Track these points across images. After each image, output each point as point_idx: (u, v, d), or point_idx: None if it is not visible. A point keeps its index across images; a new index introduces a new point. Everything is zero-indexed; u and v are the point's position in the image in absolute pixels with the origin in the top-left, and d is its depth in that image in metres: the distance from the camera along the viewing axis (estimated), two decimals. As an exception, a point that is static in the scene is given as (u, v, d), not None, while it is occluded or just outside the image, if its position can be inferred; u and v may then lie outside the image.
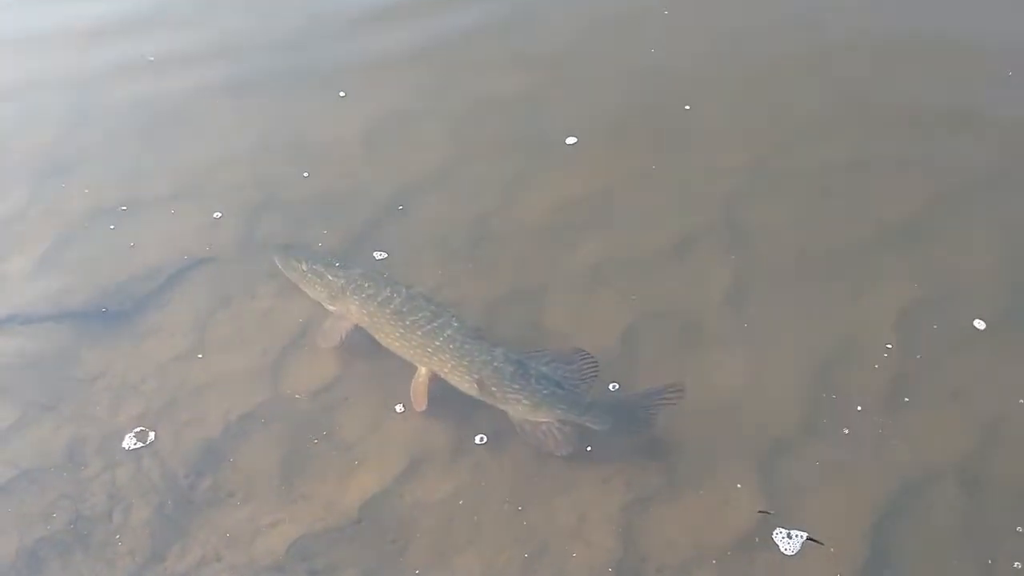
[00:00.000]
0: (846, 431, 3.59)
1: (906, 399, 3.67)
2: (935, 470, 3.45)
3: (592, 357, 3.56)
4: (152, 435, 3.58)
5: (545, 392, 3.46)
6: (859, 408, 3.65)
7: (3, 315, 3.94)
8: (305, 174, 4.60)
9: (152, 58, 5.29)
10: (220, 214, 4.37)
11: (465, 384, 3.56)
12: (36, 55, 5.37)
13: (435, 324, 3.66)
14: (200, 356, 3.86)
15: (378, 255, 4.21)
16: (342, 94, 5.06)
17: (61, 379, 3.75)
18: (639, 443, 3.53)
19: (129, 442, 3.55)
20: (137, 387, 3.74)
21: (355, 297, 3.80)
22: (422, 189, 4.55)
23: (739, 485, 3.42)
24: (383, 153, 4.74)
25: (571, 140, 4.78)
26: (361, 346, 3.84)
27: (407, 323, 3.68)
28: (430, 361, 3.62)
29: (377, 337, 3.76)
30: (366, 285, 3.82)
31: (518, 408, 3.49)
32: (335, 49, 5.39)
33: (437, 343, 3.61)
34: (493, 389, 3.50)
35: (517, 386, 3.48)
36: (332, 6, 5.71)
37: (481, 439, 3.56)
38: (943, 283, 4.06)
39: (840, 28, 5.41)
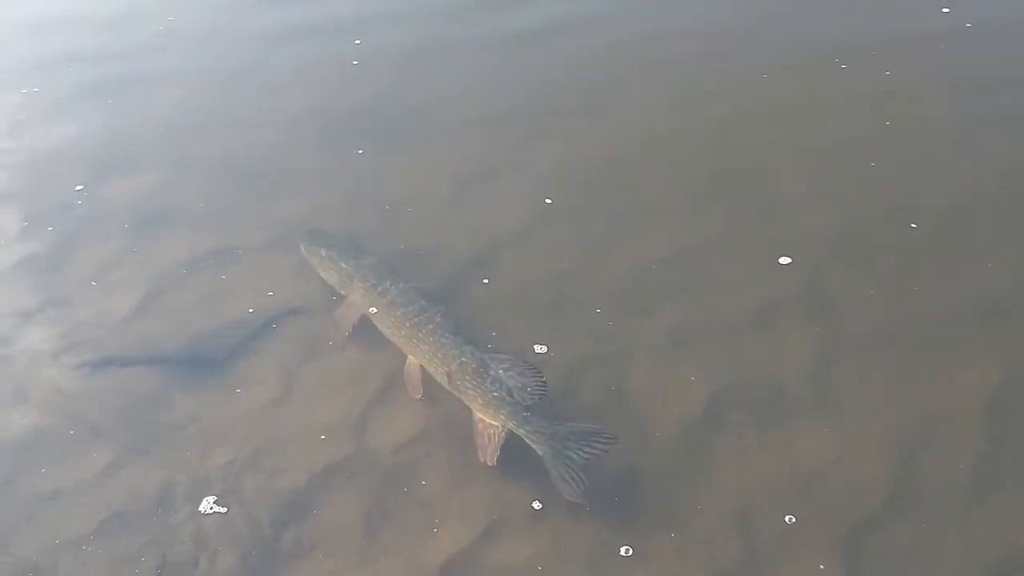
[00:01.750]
0: (931, 514, 3.53)
1: (993, 484, 3.60)
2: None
3: (542, 379, 3.70)
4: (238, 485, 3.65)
5: (495, 394, 3.67)
6: (944, 490, 3.59)
7: (100, 358, 4.06)
8: (391, 228, 4.69)
9: (245, 111, 5.45)
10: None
11: (439, 375, 3.84)
12: (134, 103, 5.57)
13: (422, 317, 3.99)
14: (287, 406, 3.94)
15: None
16: (429, 150, 5.17)
17: (154, 424, 3.84)
18: (723, 516, 3.51)
19: (217, 489, 3.62)
20: (226, 435, 3.82)
21: (360, 285, 4.17)
22: (505, 248, 4.61)
23: (822, 566, 3.38)
24: (469, 210, 4.82)
25: (653, 203, 4.82)
26: (443, 401, 3.90)
27: (398, 314, 4.03)
28: (415, 351, 3.93)
29: (375, 323, 4.07)
30: (370, 275, 4.19)
31: (475, 404, 3.71)
32: (423, 106, 5.50)
33: (421, 335, 3.93)
34: (458, 383, 3.76)
35: (475, 383, 3.72)
36: (421, 63, 5.84)
37: (563, 506, 3.56)
38: (1034, 365, 4.00)
39: (933, 99, 5.40)
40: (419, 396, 3.86)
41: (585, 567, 3.40)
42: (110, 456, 3.73)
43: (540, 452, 3.56)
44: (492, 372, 3.74)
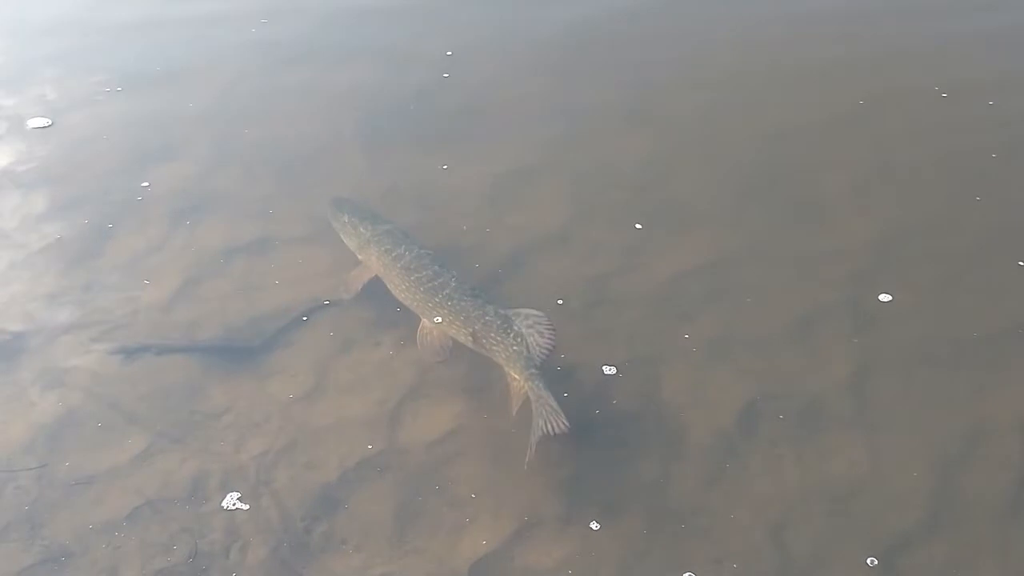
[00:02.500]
0: (968, 531, 3.49)
1: (1031, 504, 3.56)
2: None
3: (549, 335, 3.81)
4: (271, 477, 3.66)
5: (515, 348, 3.78)
6: (983, 507, 3.55)
7: (137, 345, 4.08)
8: (430, 224, 4.68)
9: (288, 101, 5.45)
10: (350, 260, 4.45)
11: (462, 336, 3.92)
12: (177, 89, 5.59)
13: (436, 282, 4.06)
14: (321, 399, 3.94)
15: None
16: (472, 148, 5.15)
17: (189, 412, 3.85)
18: (757, 528, 3.48)
19: (250, 480, 3.63)
20: (260, 425, 3.82)
21: (375, 249, 4.26)
22: (543, 247, 4.59)
23: (856, 580, 3.35)
24: (508, 209, 4.80)
25: (692, 207, 4.79)
26: (476, 400, 3.89)
27: (412, 279, 4.10)
28: (431, 314, 4.01)
29: (389, 287, 4.16)
30: (386, 240, 4.27)
31: (499, 360, 3.82)
32: (464, 103, 5.49)
33: (437, 299, 4.01)
34: (483, 341, 3.85)
35: (499, 339, 3.83)
36: (465, 60, 5.83)
37: (594, 510, 3.55)
38: (1077, 386, 3.94)
39: (980, 107, 5.34)
40: (441, 359, 3.94)
41: (615, 573, 3.37)
42: (144, 443, 3.74)
43: (535, 401, 3.64)
44: (515, 328, 3.83)
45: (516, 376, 3.76)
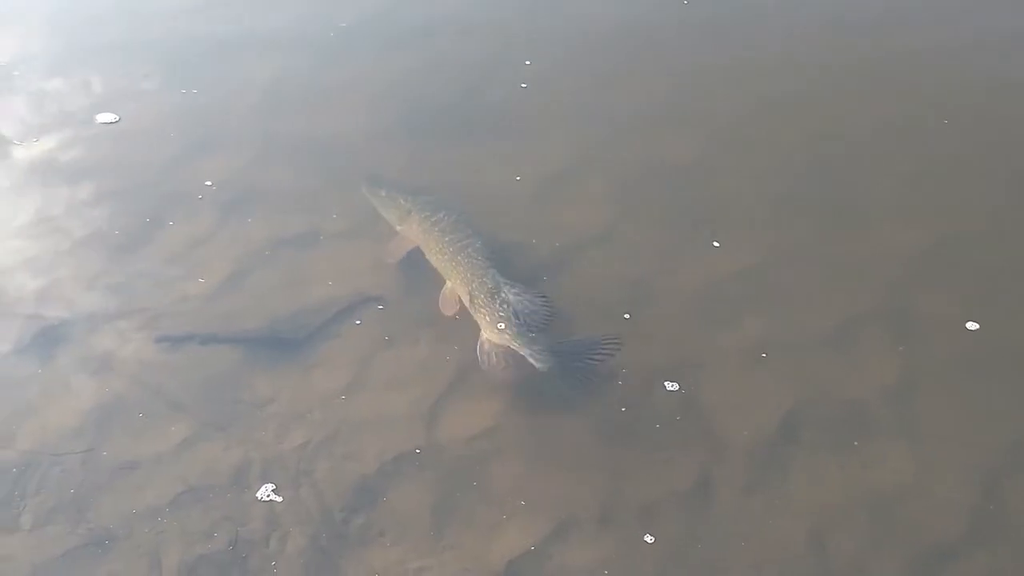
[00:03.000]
0: (1011, 544, 3.44)
1: (1080, 519, 3.50)
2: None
3: (550, 307, 3.96)
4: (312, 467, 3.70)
5: (502, 314, 3.91)
6: (1026, 521, 3.50)
7: (183, 334, 4.13)
8: (473, 221, 4.67)
9: (332, 99, 5.49)
10: (392, 256, 4.49)
11: (465, 297, 4.08)
12: (228, 80, 5.65)
13: (461, 244, 4.24)
14: (361, 393, 3.97)
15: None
16: (513, 145, 5.16)
17: (232, 401, 3.90)
18: (796, 534, 3.46)
19: (291, 470, 3.67)
20: (302, 417, 3.86)
21: (416, 217, 4.43)
22: (585, 248, 4.59)
23: (896, 591, 3.31)
24: (550, 208, 4.80)
25: (736, 210, 4.76)
26: (516, 401, 3.90)
27: (444, 240, 4.28)
28: (451, 274, 4.18)
29: (424, 251, 4.35)
30: (426, 208, 4.46)
31: (483, 323, 3.96)
32: (508, 100, 5.50)
33: (458, 259, 4.19)
34: (475, 304, 4.00)
35: (487, 303, 3.96)
36: (508, 60, 5.83)
37: (632, 512, 3.54)
38: None
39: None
40: (451, 314, 4.11)
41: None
42: (188, 431, 3.79)
43: (545, 369, 3.79)
44: (503, 295, 3.96)
45: (500, 343, 3.91)
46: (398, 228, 4.51)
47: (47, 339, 4.09)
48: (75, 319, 4.18)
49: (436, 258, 4.30)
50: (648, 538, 3.46)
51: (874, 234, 4.63)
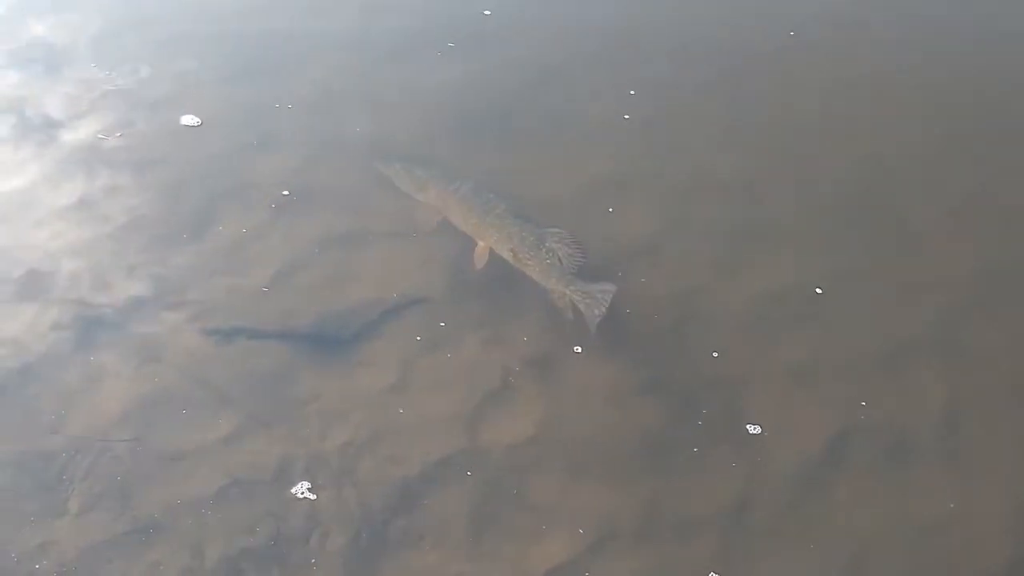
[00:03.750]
0: (1056, 581, 3.41)
1: None
2: None
3: (580, 251, 4.39)
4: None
5: (548, 261, 4.32)
6: (1074, 558, 3.45)
7: (232, 327, 4.18)
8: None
9: (387, 100, 5.50)
10: (441, 258, 4.51)
11: (505, 253, 4.43)
12: (283, 79, 5.68)
13: (487, 207, 4.59)
14: (405, 394, 3.99)
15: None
16: (563, 153, 5.16)
17: (278, 396, 3.93)
18: (836, 559, 3.44)
19: (334, 469, 3.70)
20: (346, 415, 3.88)
21: (434, 187, 4.76)
22: (632, 259, 4.58)
23: (939, 622, 3.28)
24: (597, 217, 4.78)
25: (785, 226, 4.74)
26: (558, 410, 3.91)
27: (469, 206, 4.61)
28: (484, 236, 4.51)
29: (449, 218, 4.64)
30: (442, 178, 4.78)
31: (533, 273, 4.35)
32: (558, 107, 5.49)
33: (488, 220, 4.52)
34: (520, 257, 4.36)
35: (532, 254, 4.36)
36: (559, 68, 5.82)
37: (670, 527, 3.54)
38: None
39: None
40: (480, 267, 4.44)
41: (690, 593, 3.37)
42: (234, 424, 3.82)
43: (583, 308, 4.18)
44: (547, 245, 4.37)
45: (554, 288, 4.26)
46: (419, 198, 4.78)
47: (98, 327, 4.14)
48: (126, 308, 4.22)
49: (464, 222, 4.60)
50: (684, 553, 3.46)
51: (928, 258, 4.59)
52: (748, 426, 3.88)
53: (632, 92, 5.57)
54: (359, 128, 5.25)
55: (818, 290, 4.44)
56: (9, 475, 3.61)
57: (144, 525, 3.50)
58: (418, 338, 4.20)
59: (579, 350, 4.14)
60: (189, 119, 5.20)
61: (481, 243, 4.50)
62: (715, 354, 4.15)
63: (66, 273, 4.36)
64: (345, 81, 5.61)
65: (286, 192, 4.81)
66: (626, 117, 5.39)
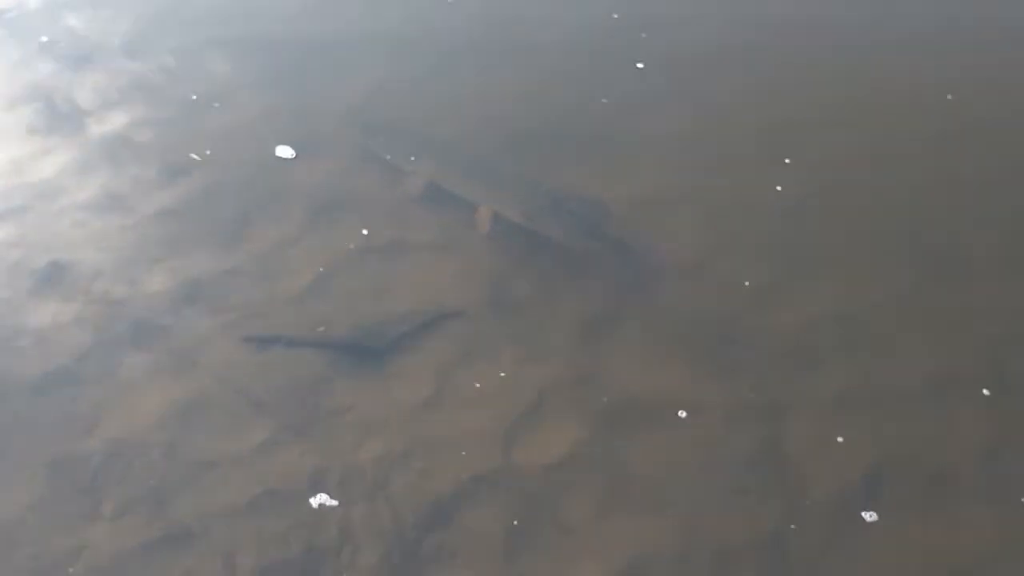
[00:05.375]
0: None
1: None
2: None
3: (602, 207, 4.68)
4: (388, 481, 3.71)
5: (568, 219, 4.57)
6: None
7: (269, 335, 4.17)
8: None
9: (432, 110, 5.48)
10: (478, 271, 4.49)
11: (518, 216, 4.63)
12: (329, 82, 5.69)
13: (490, 176, 4.84)
14: (440, 408, 3.96)
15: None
16: (610, 168, 5.12)
17: (313, 406, 3.92)
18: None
19: (367, 482, 3.68)
20: (380, 427, 3.86)
21: (427, 159, 4.90)
22: (675, 277, 4.54)
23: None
24: (640, 233, 4.74)
25: (830, 251, 4.69)
26: (594, 430, 3.87)
27: (471, 176, 4.81)
28: (489, 200, 4.72)
29: (451, 189, 4.79)
30: (433, 150, 4.97)
31: (552, 232, 4.56)
32: (605, 123, 5.45)
33: (495, 188, 4.75)
34: (537, 220, 4.59)
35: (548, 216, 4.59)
36: (610, 83, 5.79)
37: (706, 554, 3.50)
38: None
39: None
40: (485, 231, 4.64)
41: (725, 624, 3.33)
42: (268, 432, 3.82)
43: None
44: (566, 207, 4.62)
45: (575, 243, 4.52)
46: (407, 169, 4.90)
47: (135, 331, 4.15)
48: (166, 315, 4.23)
49: (467, 191, 4.78)
50: (723, 585, 3.42)
51: (974, 288, 4.51)
52: (788, 453, 3.83)
53: (682, 110, 5.54)
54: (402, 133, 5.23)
55: (864, 315, 4.37)
56: (44, 477, 3.62)
57: (177, 532, 3.50)
58: (454, 352, 4.18)
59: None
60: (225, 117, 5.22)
61: (483, 208, 4.69)
62: (752, 379, 4.10)
63: (103, 274, 4.37)
64: (396, 83, 5.60)
65: (324, 197, 4.81)
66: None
